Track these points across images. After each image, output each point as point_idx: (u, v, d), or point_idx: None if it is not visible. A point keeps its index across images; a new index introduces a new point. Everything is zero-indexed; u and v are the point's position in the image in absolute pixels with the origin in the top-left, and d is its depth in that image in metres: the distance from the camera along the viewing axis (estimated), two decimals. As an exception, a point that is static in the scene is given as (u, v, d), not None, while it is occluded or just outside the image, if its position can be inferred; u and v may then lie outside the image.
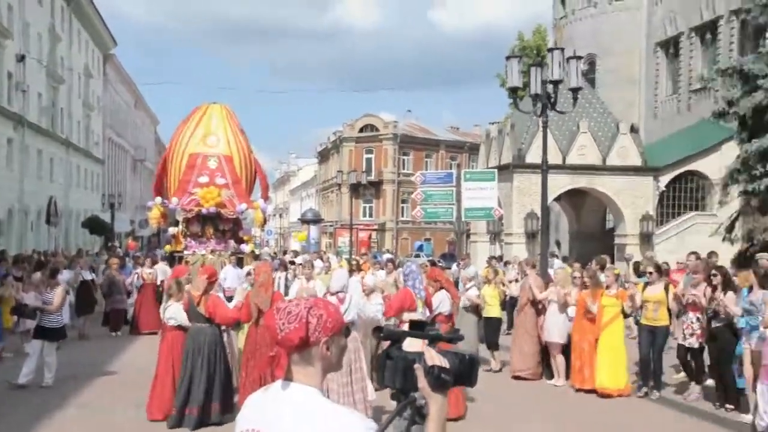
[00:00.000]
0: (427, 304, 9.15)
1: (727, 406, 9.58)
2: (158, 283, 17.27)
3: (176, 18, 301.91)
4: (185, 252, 17.36)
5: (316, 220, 41.50)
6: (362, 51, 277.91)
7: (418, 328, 2.04)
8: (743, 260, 17.95)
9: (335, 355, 2.01)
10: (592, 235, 35.41)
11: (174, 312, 9.05)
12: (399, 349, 1.97)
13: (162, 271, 17.55)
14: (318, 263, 16.54)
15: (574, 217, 36.74)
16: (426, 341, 1.98)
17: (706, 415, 9.66)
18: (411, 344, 1.98)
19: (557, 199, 33.58)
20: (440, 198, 20.58)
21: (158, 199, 17.89)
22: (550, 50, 14.12)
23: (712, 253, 13.72)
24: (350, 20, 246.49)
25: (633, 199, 31.09)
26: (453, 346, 2.10)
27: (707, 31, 35.86)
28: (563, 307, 11.62)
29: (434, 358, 1.88)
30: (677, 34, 37.79)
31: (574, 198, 34.40)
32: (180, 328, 9.02)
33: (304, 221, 41.51)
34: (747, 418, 8.89)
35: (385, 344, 2.00)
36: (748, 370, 9.06)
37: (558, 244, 41.93)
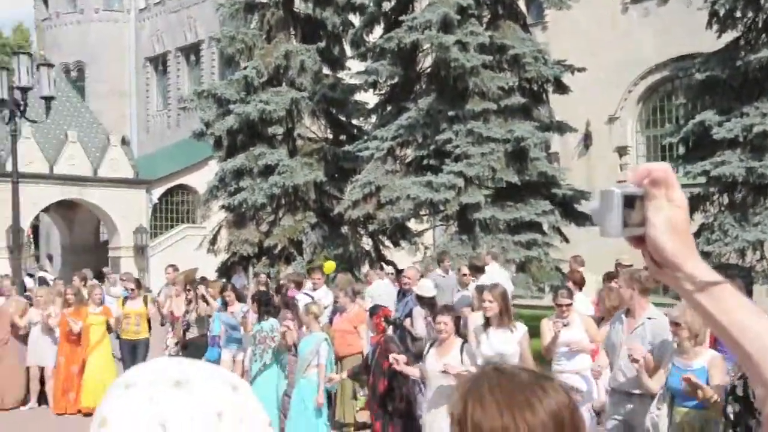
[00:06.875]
0: None
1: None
2: None
3: None
4: None
5: None
6: None
7: None
8: (226, 269, 19.54)
9: None
10: (86, 247, 34.52)
11: None
12: None
13: None
14: None
15: (66, 229, 35.34)
16: None
17: None
18: None
19: (46, 210, 31.94)
20: None
21: None
22: (16, 54, 13.25)
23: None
24: None
25: (126, 211, 31.28)
26: None
27: (191, 52, 38.01)
28: (48, 329, 11.24)
29: None
30: (165, 51, 39.20)
31: (65, 210, 33.11)
32: None
33: None
34: None
35: None
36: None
37: (50, 258, 39.74)
